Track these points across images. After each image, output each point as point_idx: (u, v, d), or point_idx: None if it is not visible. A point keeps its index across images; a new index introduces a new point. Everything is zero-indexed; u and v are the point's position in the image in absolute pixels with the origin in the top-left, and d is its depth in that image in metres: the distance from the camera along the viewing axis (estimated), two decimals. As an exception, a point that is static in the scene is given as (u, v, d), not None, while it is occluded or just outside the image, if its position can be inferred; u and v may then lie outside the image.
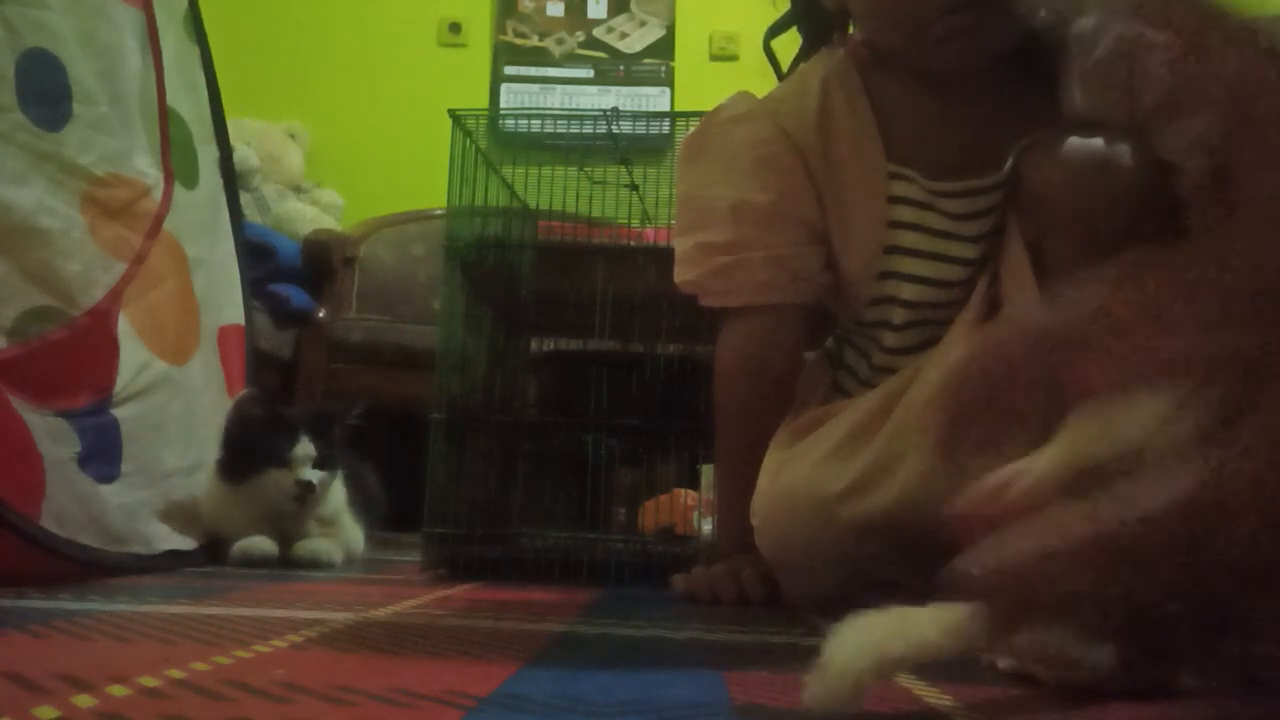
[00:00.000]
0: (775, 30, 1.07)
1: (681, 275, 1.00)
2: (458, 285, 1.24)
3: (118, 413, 1.02)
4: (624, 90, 3.27)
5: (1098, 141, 0.80)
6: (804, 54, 1.06)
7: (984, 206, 0.91)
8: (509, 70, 3.32)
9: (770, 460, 0.93)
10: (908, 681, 0.53)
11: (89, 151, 1.02)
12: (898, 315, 0.94)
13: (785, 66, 1.08)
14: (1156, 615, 0.35)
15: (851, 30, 1.01)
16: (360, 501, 1.36)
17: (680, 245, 1.01)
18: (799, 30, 1.05)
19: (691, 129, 1.06)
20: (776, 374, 0.99)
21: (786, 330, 0.99)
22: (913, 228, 0.93)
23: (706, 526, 1.31)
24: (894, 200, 0.93)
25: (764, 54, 1.08)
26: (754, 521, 0.92)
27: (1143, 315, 0.35)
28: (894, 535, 0.81)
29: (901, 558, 0.82)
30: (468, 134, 1.22)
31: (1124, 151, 0.80)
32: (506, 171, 1.32)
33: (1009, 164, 0.89)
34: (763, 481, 0.92)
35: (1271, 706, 0.41)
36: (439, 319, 1.24)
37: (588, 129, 1.29)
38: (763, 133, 0.98)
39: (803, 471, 0.89)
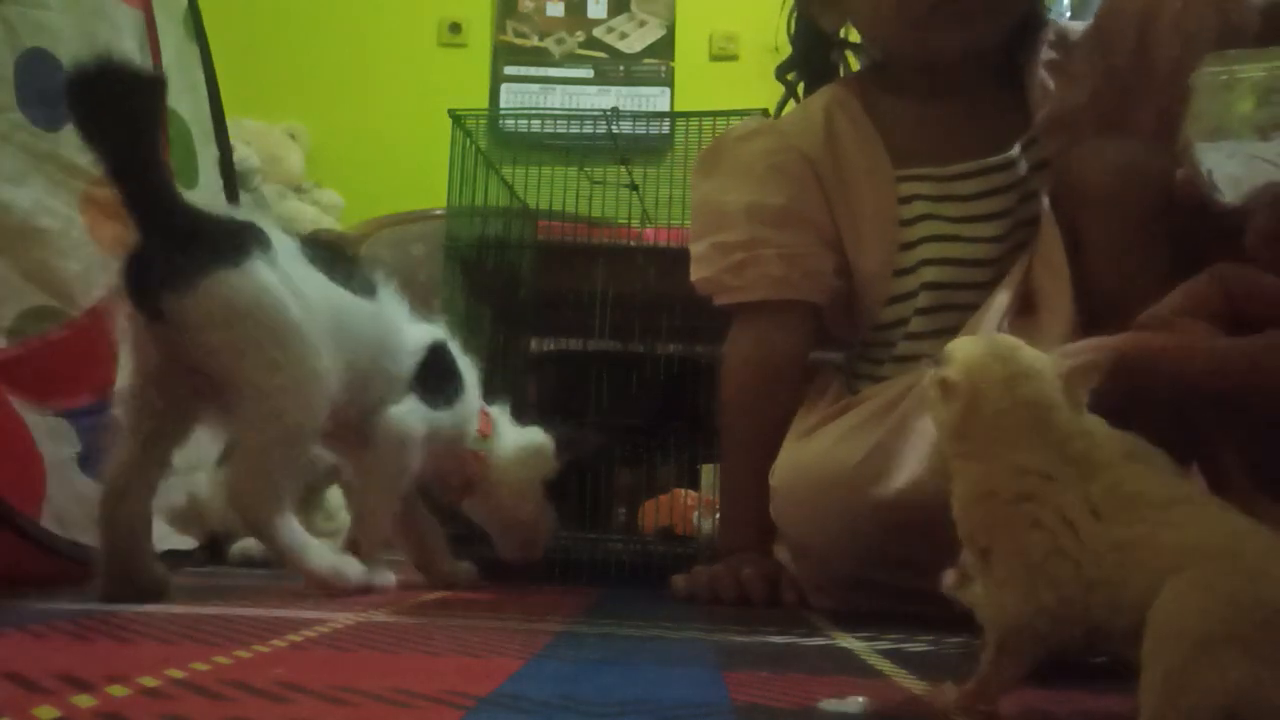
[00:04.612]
0: (784, 69, 1.16)
1: (697, 274, 1.04)
2: (458, 285, 1.24)
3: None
4: (624, 90, 3.27)
5: (1131, 144, 0.85)
6: (805, 88, 1.15)
7: (999, 185, 0.97)
8: (509, 70, 3.32)
9: (789, 441, 0.95)
10: (908, 682, 0.54)
11: (88, 151, 1.01)
12: (924, 299, 0.97)
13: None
14: None
15: (850, 68, 1.12)
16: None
17: (696, 248, 1.05)
18: (798, 74, 1.14)
19: (690, 129, 1.11)
20: (785, 371, 1.02)
21: (796, 328, 1.02)
22: (929, 218, 0.98)
23: (706, 526, 1.31)
24: (904, 200, 0.99)
25: (778, 80, 1.16)
26: (772, 482, 0.93)
27: None
28: (913, 511, 0.82)
29: (918, 536, 0.83)
30: (468, 134, 1.23)
31: (1154, 154, 0.83)
32: (506, 171, 1.32)
33: (1017, 148, 0.96)
34: (784, 453, 0.94)
35: None
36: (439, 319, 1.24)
37: (588, 129, 1.30)
38: (774, 144, 1.04)
39: (823, 446, 0.91)
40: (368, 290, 0.90)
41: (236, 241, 0.77)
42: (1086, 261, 0.87)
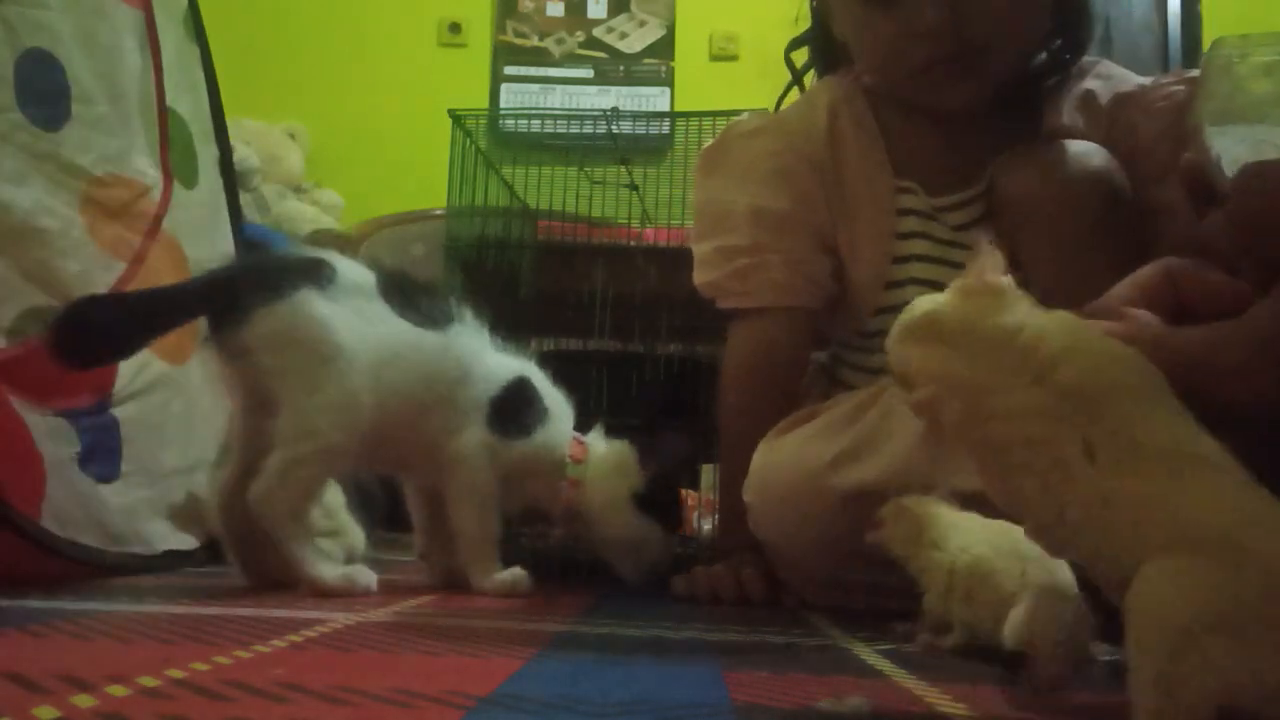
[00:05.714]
0: (797, 43, 1.14)
1: (701, 277, 1.04)
2: (458, 285, 1.23)
3: (117, 412, 1.02)
4: (624, 90, 3.27)
5: (1065, 149, 0.87)
6: (811, 67, 1.13)
7: (977, 215, 0.97)
8: (509, 70, 3.32)
9: (762, 446, 0.95)
10: (909, 682, 0.54)
11: (88, 151, 1.01)
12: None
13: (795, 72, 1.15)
14: None
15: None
16: (359, 501, 1.36)
17: (699, 249, 1.04)
18: (810, 50, 1.12)
19: (690, 129, 1.10)
20: (784, 374, 1.02)
21: (795, 332, 1.02)
22: (920, 236, 0.98)
23: (706, 526, 1.31)
24: (902, 212, 0.99)
25: (784, 63, 1.14)
26: (746, 498, 0.92)
27: None
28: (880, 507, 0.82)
29: None
30: (468, 134, 1.23)
31: (1089, 157, 0.86)
32: (506, 171, 1.32)
33: (988, 174, 0.95)
34: (755, 460, 0.94)
35: None
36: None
37: (588, 129, 1.30)
38: (778, 145, 1.03)
39: (793, 447, 0.91)
40: (438, 323, 0.95)
41: (290, 277, 0.86)
42: (1025, 275, 0.87)
